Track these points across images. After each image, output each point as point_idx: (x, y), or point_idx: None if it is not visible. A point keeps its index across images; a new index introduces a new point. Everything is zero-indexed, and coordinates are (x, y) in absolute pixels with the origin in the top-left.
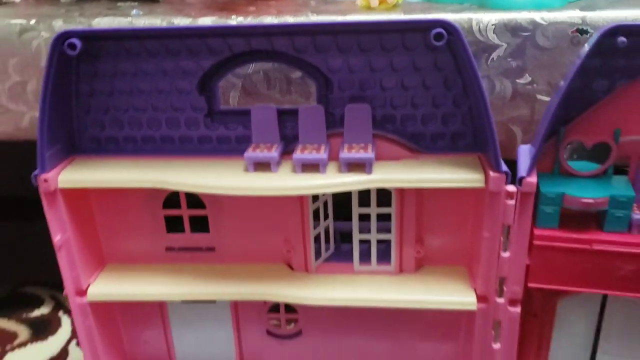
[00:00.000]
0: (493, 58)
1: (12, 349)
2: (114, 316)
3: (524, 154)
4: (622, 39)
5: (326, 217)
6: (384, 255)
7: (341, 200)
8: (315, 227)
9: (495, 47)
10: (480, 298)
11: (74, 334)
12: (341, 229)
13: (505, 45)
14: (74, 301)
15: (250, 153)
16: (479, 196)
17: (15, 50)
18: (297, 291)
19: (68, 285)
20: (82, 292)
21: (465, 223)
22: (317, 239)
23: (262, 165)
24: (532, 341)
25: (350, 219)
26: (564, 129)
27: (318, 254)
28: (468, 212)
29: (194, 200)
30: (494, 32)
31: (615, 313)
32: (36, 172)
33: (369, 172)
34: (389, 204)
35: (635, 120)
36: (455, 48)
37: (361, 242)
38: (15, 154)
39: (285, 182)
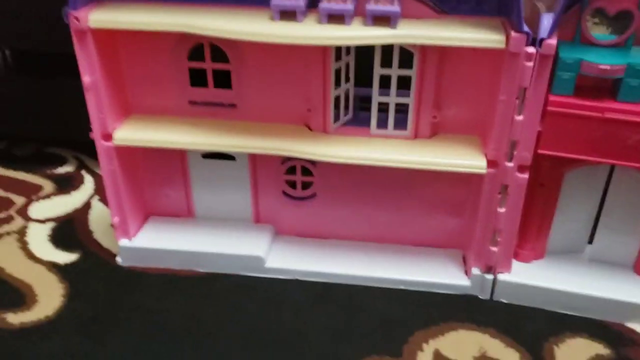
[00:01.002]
0: None
1: (38, 199)
2: (137, 167)
3: (547, 19)
4: None
5: (347, 80)
6: (401, 122)
7: (362, 68)
8: (335, 90)
9: None
10: (491, 163)
11: (96, 191)
12: (360, 96)
13: None
14: (100, 144)
15: (276, 1)
16: (498, 62)
17: None
18: (315, 148)
19: (95, 128)
20: (108, 137)
21: (482, 93)
22: (336, 104)
23: (287, 15)
24: (536, 210)
25: (370, 87)
26: None
27: (337, 118)
28: (486, 81)
29: (218, 55)
30: None
31: (619, 188)
32: (67, 9)
33: (394, 26)
34: (410, 68)
35: None
36: None
37: (379, 109)
38: (44, 7)
39: (310, 31)
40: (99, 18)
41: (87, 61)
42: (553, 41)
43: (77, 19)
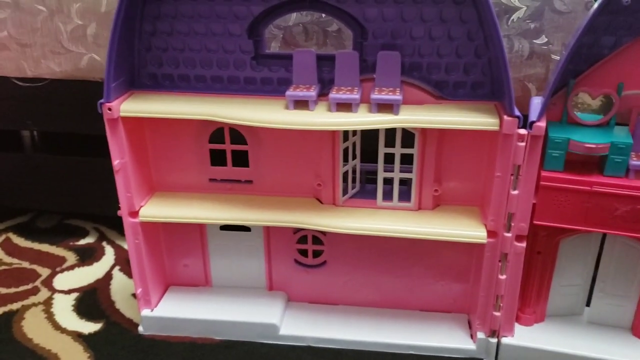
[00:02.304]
0: (513, 19)
1: (62, 270)
2: (159, 240)
3: (536, 103)
4: None
5: (354, 157)
6: (405, 195)
7: (368, 146)
8: (344, 166)
9: (515, 9)
10: (490, 233)
11: (116, 262)
12: (367, 170)
13: (525, 7)
14: (127, 221)
15: (291, 92)
16: (494, 141)
17: None
18: (326, 220)
19: (123, 206)
20: (135, 214)
21: (480, 167)
22: (345, 177)
23: (300, 104)
24: (535, 276)
25: (375, 162)
26: (572, 81)
27: (345, 191)
28: (483, 157)
29: (237, 138)
30: None
31: (611, 255)
32: (102, 100)
33: (396, 112)
34: (412, 147)
35: (637, 75)
36: (479, 2)
37: (384, 182)
38: (71, 93)
39: (321, 118)
40: (130, 108)
41: (118, 146)
42: (542, 123)
43: (110, 109)
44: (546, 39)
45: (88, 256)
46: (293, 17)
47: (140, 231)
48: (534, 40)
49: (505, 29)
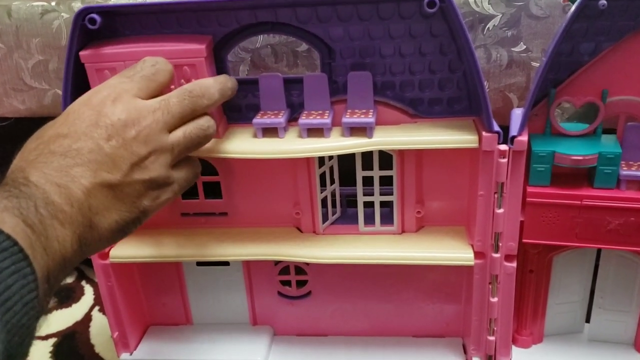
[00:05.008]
0: (489, 28)
1: None
2: (134, 280)
3: (517, 116)
4: (602, 1)
5: (332, 182)
6: (387, 217)
7: (346, 169)
8: (322, 192)
9: (490, 17)
10: (478, 254)
11: (96, 302)
12: (346, 194)
13: (500, 15)
14: (97, 263)
15: (258, 119)
16: (475, 158)
17: (38, 31)
18: (307, 250)
19: None
20: (105, 255)
21: (463, 185)
22: (324, 203)
23: (270, 131)
24: (529, 296)
25: (355, 184)
26: (554, 90)
27: (325, 218)
28: (465, 174)
29: (207, 168)
30: (489, 3)
31: (608, 269)
32: None
33: (370, 135)
34: (390, 168)
35: (621, 80)
36: (448, 15)
37: (365, 205)
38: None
39: (292, 145)
40: None
41: None
42: (524, 137)
43: None
44: (525, 46)
45: (67, 297)
46: (260, 39)
47: (112, 273)
48: (512, 49)
49: (481, 39)
